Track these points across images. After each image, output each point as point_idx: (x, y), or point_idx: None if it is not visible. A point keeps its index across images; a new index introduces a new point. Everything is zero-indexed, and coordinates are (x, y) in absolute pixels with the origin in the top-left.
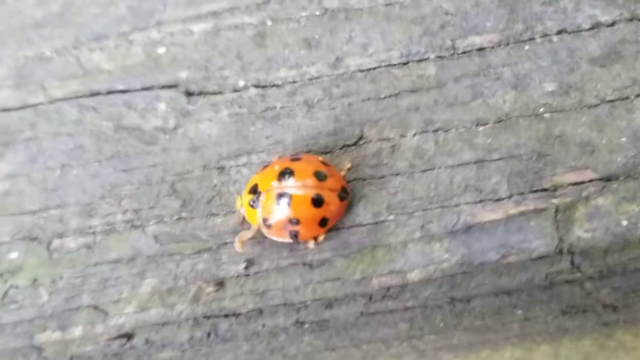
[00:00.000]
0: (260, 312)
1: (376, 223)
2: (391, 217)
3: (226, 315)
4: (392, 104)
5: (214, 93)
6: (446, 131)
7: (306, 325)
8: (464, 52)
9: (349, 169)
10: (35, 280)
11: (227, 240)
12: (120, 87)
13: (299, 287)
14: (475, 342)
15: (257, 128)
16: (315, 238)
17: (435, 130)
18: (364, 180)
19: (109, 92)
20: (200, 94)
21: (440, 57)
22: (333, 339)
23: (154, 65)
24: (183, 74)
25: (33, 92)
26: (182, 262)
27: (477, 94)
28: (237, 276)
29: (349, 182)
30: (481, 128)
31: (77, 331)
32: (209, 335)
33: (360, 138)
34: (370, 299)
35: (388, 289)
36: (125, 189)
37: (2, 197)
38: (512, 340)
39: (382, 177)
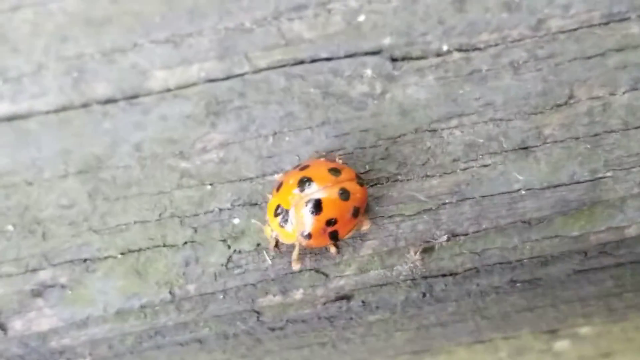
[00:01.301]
0: (477, 271)
1: (594, 180)
2: (609, 173)
3: (443, 275)
4: (599, 63)
5: (418, 58)
6: None
7: (518, 284)
8: None
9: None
10: (258, 245)
11: (446, 201)
12: (324, 55)
13: (517, 245)
14: None
15: (465, 91)
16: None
17: None
18: (577, 138)
19: (313, 61)
20: (404, 59)
21: None
22: (537, 298)
23: (355, 33)
24: (385, 41)
25: (237, 62)
26: (402, 223)
27: None
28: (456, 235)
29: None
30: None
31: (297, 294)
32: (424, 295)
33: (570, 97)
34: (586, 255)
35: (604, 245)
36: (339, 153)
37: (218, 165)
38: None
39: (596, 134)
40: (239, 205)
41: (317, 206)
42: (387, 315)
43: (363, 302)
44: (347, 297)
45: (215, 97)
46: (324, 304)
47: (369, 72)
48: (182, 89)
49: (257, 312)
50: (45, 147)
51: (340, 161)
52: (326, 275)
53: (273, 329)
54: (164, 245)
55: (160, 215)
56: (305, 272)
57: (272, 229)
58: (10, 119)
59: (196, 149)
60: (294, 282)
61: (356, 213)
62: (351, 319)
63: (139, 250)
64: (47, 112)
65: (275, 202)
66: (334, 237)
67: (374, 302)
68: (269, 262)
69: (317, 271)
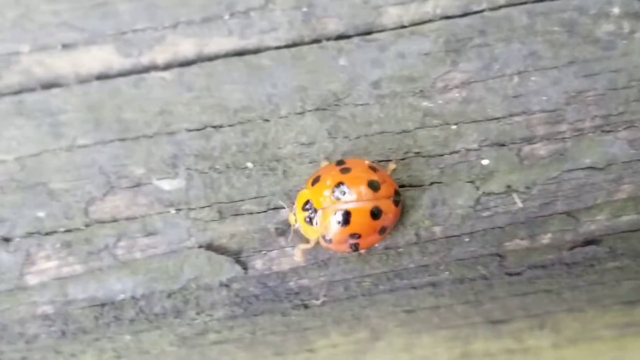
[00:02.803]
0: None
1: None
2: None
3: None
4: None
5: None
6: None
7: None
8: None
9: (394, 169)
10: (508, 186)
11: None
12: None
13: None
14: None
15: None
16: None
17: None
18: None
19: None
20: None
21: None
22: None
23: None
24: None
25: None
26: None
27: None
28: None
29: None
30: None
31: (545, 239)
32: None
33: None
34: None
35: None
36: (590, 94)
37: (462, 104)
38: None
39: None
40: (486, 146)
41: (346, 219)
42: (627, 263)
43: (610, 248)
44: (595, 243)
45: (454, 35)
46: (570, 249)
47: (615, 10)
48: (418, 26)
49: (500, 256)
50: (279, 83)
51: (394, 167)
52: (577, 220)
53: (510, 274)
54: (410, 186)
55: (404, 154)
56: (555, 216)
57: (297, 220)
58: (241, 53)
59: (437, 88)
60: (544, 226)
61: (383, 231)
62: (591, 265)
63: None
64: (278, 48)
65: (306, 195)
66: (354, 248)
67: (621, 248)
68: (520, 204)
69: (568, 214)
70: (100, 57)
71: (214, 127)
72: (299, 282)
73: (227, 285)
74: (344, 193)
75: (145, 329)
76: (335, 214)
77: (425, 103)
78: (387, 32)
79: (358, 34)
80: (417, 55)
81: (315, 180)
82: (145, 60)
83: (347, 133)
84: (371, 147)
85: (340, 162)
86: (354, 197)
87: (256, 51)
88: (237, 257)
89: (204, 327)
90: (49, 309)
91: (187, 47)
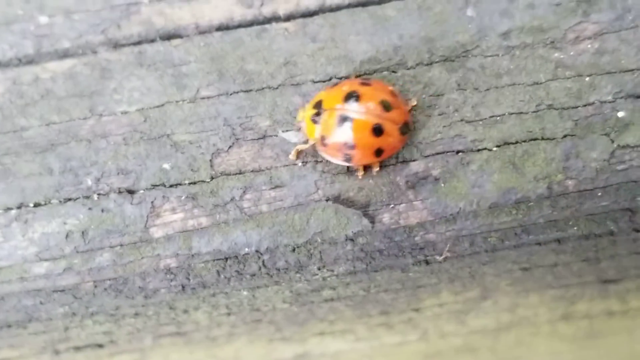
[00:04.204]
0: None
1: None
2: None
3: None
4: None
5: None
6: None
7: None
8: None
9: (415, 106)
10: None
11: None
12: None
13: None
14: None
15: None
16: (366, 167)
17: None
18: None
19: None
20: None
21: None
22: None
23: None
24: None
25: None
26: None
27: None
28: None
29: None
30: None
31: None
32: None
33: None
34: None
35: None
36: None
37: (595, 56)
38: None
39: None
40: (621, 98)
41: (347, 125)
42: None
43: None
44: None
45: None
46: None
47: None
48: None
49: (631, 212)
50: (406, 35)
51: (414, 103)
52: None
53: (638, 230)
54: (542, 138)
55: (536, 106)
56: None
57: (303, 118)
58: (364, 4)
59: (568, 39)
60: None
61: (379, 153)
62: None
63: (516, 142)
64: None
65: (321, 96)
66: (347, 160)
67: None
68: None
69: None
70: (221, 7)
71: (340, 78)
72: (425, 237)
73: (352, 240)
74: (354, 101)
75: (264, 284)
76: (339, 118)
77: (556, 54)
78: None
79: None
80: (547, 6)
81: (335, 85)
82: (266, 11)
83: (477, 85)
84: (502, 98)
85: (364, 78)
86: (362, 107)
87: (380, 2)
88: (364, 210)
89: (321, 283)
90: (172, 263)
91: None
